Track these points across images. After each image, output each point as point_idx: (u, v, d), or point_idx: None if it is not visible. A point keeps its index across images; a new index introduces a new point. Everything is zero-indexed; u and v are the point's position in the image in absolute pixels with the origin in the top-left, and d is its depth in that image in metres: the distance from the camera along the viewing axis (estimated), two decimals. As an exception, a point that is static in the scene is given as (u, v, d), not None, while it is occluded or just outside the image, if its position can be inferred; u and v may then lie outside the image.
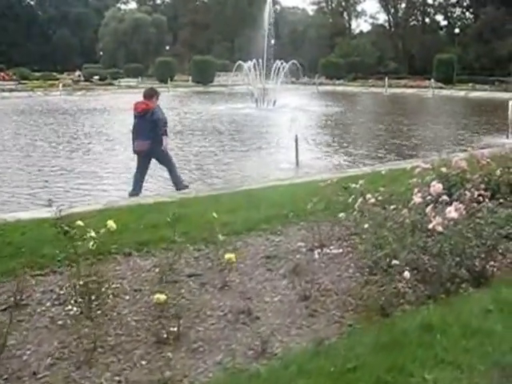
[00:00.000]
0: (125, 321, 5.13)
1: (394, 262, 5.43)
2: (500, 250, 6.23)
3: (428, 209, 6.10)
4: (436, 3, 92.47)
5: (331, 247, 7.07)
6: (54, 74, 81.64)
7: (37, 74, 78.84)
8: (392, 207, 6.71)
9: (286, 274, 6.23)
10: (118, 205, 9.35)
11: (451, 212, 5.75)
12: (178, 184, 11.91)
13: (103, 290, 5.64)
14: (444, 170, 8.00)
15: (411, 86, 66.43)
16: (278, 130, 25.27)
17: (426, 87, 60.97)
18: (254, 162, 16.03)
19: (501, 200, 7.88)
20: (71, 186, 13.92)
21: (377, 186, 8.52)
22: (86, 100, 47.46)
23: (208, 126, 28.01)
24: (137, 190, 11.61)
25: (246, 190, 10.24)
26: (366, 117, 34.64)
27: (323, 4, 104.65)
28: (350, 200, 7.24)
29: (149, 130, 11.33)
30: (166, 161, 11.97)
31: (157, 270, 6.22)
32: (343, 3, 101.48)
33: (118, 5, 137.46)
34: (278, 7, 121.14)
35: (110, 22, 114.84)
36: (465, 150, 18.48)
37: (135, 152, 11.74)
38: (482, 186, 8.19)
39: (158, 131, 11.43)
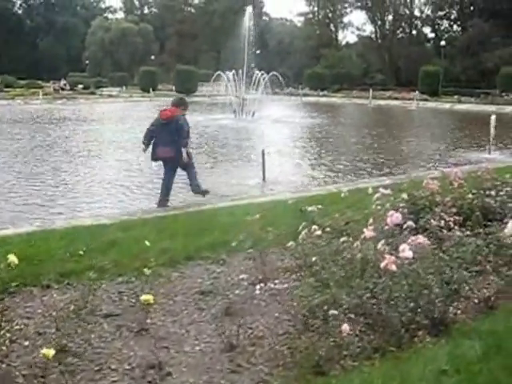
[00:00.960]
0: (11, 376, 4.25)
1: (332, 312, 4.56)
2: (464, 292, 5.30)
3: (380, 244, 5.24)
4: (423, 16, 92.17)
5: (276, 281, 6.17)
6: (39, 82, 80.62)
7: (22, 82, 77.72)
8: (342, 239, 5.86)
9: (218, 315, 5.36)
10: (51, 227, 8.46)
11: (405, 251, 4.87)
12: (197, 190, 11.78)
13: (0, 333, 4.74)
14: (405, 196, 7.11)
15: (396, 98, 65.87)
16: (252, 143, 24.51)
17: (410, 99, 60.30)
18: (219, 177, 15.01)
19: (474, 228, 7.06)
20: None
21: (336, 210, 7.75)
22: (63, 109, 46.42)
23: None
24: (165, 197, 11.48)
25: (198, 210, 9.40)
26: (347, 129, 33.82)
27: (310, 15, 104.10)
28: (301, 228, 6.39)
29: (171, 138, 11.21)
30: (187, 167, 11.72)
31: (72, 307, 5.27)
32: (330, 15, 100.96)
33: (106, 14, 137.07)
34: (266, 18, 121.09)
35: (96, 31, 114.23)
36: (446, 166, 17.88)
37: (156, 159, 11.65)
38: (454, 210, 7.44)
39: (181, 141, 11.27)
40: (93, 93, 68.34)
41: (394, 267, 4.84)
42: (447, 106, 58.27)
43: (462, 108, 55.55)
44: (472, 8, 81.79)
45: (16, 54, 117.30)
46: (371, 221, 6.09)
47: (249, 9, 46.22)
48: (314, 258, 5.73)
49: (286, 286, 6.06)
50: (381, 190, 6.71)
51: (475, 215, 7.36)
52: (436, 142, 26.32)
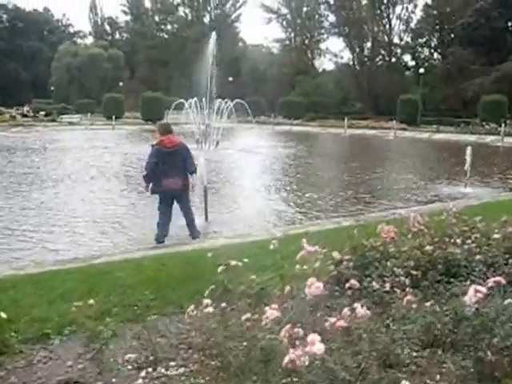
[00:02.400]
0: None
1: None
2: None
3: (283, 331, 3.88)
4: (403, 43, 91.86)
5: (172, 363, 4.79)
6: (1, 108, 79.31)
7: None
8: (245, 317, 4.47)
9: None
10: None
11: (314, 343, 3.53)
12: (195, 231, 11.48)
13: None
14: (337, 255, 5.75)
15: (373, 127, 65.11)
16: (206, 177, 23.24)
17: (388, 128, 59.58)
18: (154, 217, 13.55)
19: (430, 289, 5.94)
20: None
21: (266, 264, 6.46)
22: (15, 137, 45.21)
23: (124, 169, 25.78)
24: (164, 233, 11.12)
25: (101, 263, 8.01)
26: (317, 160, 32.65)
27: (287, 42, 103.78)
28: (207, 293, 5.14)
29: (180, 168, 11.03)
30: (187, 202, 11.51)
31: None
32: (307, 41, 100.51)
33: (74, 39, 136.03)
34: (241, 44, 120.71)
35: (63, 57, 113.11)
36: (416, 204, 16.67)
37: (163, 192, 11.07)
38: (411, 263, 6.34)
39: (192, 168, 11.24)
40: (53, 120, 66.99)
41: (301, 363, 3.53)
42: (426, 135, 57.61)
43: (440, 137, 54.90)
44: (452, 35, 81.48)
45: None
46: (287, 289, 4.79)
47: (213, 35, 44.95)
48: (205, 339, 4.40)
49: (181, 370, 4.71)
50: (304, 244, 5.35)
51: (431, 274, 6.08)
52: (412, 175, 25.12)
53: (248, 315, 4.46)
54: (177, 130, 37.27)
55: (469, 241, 6.89)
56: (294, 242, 8.24)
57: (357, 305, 4.57)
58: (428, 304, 5.20)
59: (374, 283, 5.79)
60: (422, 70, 75.52)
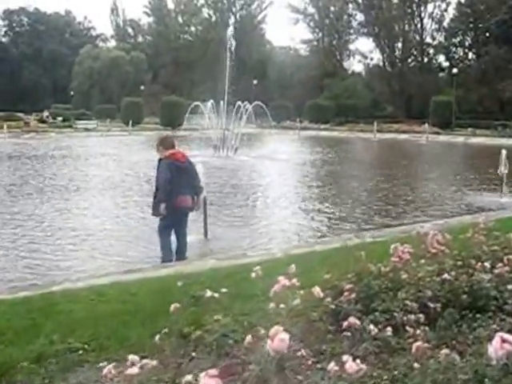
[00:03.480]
0: None
1: None
2: None
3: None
4: (436, 43, 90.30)
5: None
6: (19, 114, 79.31)
7: (1, 113, 76.27)
8: (185, 380, 3.38)
9: None
10: None
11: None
12: (184, 252, 10.62)
13: None
14: (318, 292, 4.62)
15: (404, 131, 63.85)
16: (217, 186, 22.07)
17: (420, 132, 58.11)
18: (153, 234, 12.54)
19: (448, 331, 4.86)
20: None
21: (244, 296, 5.46)
22: (23, 144, 44.88)
23: (130, 180, 24.66)
24: (170, 256, 10.32)
25: (60, 291, 7.03)
26: (342, 167, 31.34)
27: (314, 43, 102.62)
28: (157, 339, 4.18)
29: (190, 185, 10.48)
30: (187, 223, 10.81)
31: None
32: (335, 42, 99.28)
33: (96, 42, 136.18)
34: (267, 46, 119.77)
35: (84, 60, 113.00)
36: (447, 214, 15.48)
37: (176, 211, 10.27)
38: (428, 293, 5.28)
39: (200, 186, 10.92)
40: (69, 126, 66.57)
41: None
42: (460, 139, 56.17)
43: (476, 142, 53.40)
44: (487, 34, 79.74)
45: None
46: (249, 339, 3.70)
47: (229, 31, 44.03)
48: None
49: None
50: (281, 279, 4.28)
51: (448, 312, 4.97)
52: (444, 183, 23.85)
53: (189, 378, 3.37)
54: (197, 136, 36.63)
55: (500, 264, 5.74)
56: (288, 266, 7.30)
57: (346, 357, 3.58)
58: (444, 352, 4.06)
59: (376, 321, 4.71)
60: (455, 71, 73.71)
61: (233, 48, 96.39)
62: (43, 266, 10.60)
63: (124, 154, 36.08)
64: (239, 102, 38.70)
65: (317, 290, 4.37)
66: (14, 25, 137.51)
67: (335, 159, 36.45)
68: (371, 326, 4.47)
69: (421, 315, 4.92)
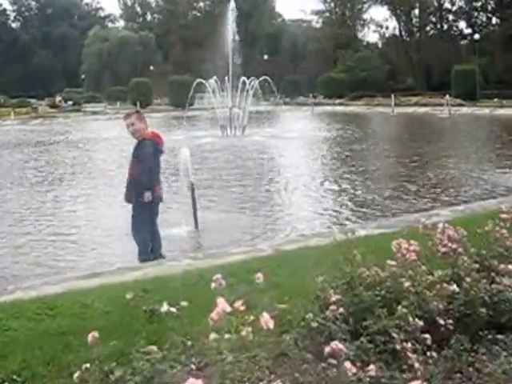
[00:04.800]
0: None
1: None
2: None
3: None
4: (456, 8, 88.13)
5: None
6: (31, 99, 79.57)
7: (13, 100, 76.33)
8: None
9: None
10: None
11: None
12: (159, 249, 9.48)
13: None
14: (267, 320, 3.50)
15: (425, 104, 62.18)
16: (218, 170, 21.15)
17: (442, 105, 56.34)
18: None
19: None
20: None
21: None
22: (26, 130, 44.52)
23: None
24: (149, 254, 9.10)
25: (10, 301, 6.17)
26: (357, 146, 29.85)
27: (326, 14, 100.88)
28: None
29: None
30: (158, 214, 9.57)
31: None
32: (347, 12, 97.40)
33: (105, 23, 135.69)
34: (279, 20, 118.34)
35: (93, 42, 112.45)
36: (468, 198, 14.28)
37: (155, 201, 9.11)
38: (438, 306, 4.28)
39: None
40: (78, 110, 66.31)
41: None
42: (486, 111, 54.24)
43: (504, 113, 51.16)
44: (512, -4, 77.34)
45: (10, 69, 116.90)
46: None
47: (232, 4, 42.85)
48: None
49: None
50: (219, 299, 3.24)
51: (456, 339, 3.94)
52: (467, 161, 22.37)
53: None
54: (202, 115, 35.70)
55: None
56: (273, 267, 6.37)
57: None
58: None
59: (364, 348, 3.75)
60: (478, 37, 71.73)
61: (241, 22, 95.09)
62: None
63: (122, 138, 34.80)
64: (244, 78, 37.85)
65: (265, 319, 3.23)
66: (23, 9, 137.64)
67: (351, 136, 35.13)
68: (347, 365, 3.40)
69: (427, 335, 3.93)
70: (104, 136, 36.84)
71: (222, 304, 3.16)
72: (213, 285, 3.90)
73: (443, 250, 4.88)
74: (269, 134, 34.17)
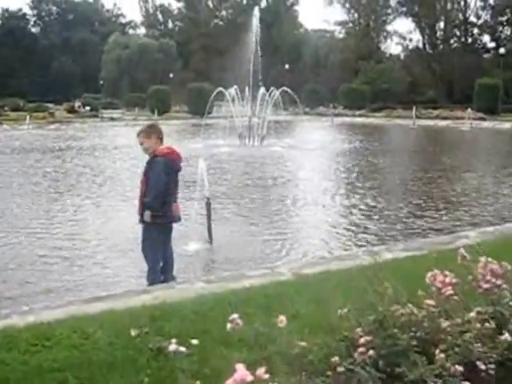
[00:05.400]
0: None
1: None
2: None
3: None
4: (481, 22, 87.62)
5: None
6: (49, 104, 79.57)
7: (31, 104, 76.37)
8: None
9: None
10: None
11: None
12: (171, 270, 8.86)
13: None
14: None
15: (446, 117, 61.56)
16: (235, 181, 20.64)
17: (463, 118, 55.77)
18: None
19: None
20: None
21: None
22: (41, 135, 44.28)
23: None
24: (159, 275, 8.59)
25: (4, 328, 5.58)
26: (377, 159, 29.15)
27: (350, 25, 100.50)
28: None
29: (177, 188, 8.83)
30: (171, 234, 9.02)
31: None
32: (371, 23, 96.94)
33: (126, 29, 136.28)
34: (301, 29, 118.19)
35: (112, 49, 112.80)
36: (497, 220, 13.63)
37: (171, 222, 8.68)
38: (487, 352, 3.70)
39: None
40: (95, 116, 66.20)
41: None
42: (508, 125, 53.54)
43: (526, 128, 50.73)
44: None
45: (29, 74, 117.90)
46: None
47: (255, 12, 42.56)
48: None
49: None
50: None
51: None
52: (493, 177, 21.72)
53: None
54: (221, 124, 35.14)
55: None
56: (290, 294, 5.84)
57: None
58: None
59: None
60: (502, 51, 71.11)
61: (263, 32, 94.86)
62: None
63: (136, 146, 33.98)
64: (263, 88, 37.47)
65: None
66: (43, 14, 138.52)
67: (370, 149, 34.52)
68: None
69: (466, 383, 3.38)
70: (119, 143, 36.10)
71: (241, 371, 2.62)
72: (228, 325, 3.46)
73: (485, 286, 4.33)
74: (287, 144, 33.69)
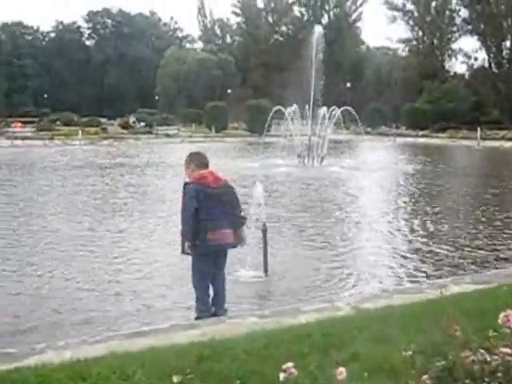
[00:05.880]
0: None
1: None
2: None
3: None
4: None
5: None
6: (102, 119, 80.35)
7: (84, 119, 77.48)
8: None
9: None
10: None
11: None
12: (222, 304, 8.60)
13: None
14: None
15: (511, 139, 60.49)
16: (293, 203, 20.39)
17: (529, 140, 54.93)
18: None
19: None
20: None
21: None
22: (96, 151, 44.46)
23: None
24: (208, 307, 8.42)
25: (37, 365, 5.35)
26: (441, 182, 28.45)
27: (413, 42, 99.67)
28: None
29: (228, 216, 8.43)
30: (223, 263, 8.70)
31: None
32: (435, 41, 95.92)
33: (183, 44, 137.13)
34: (363, 46, 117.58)
35: (169, 63, 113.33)
36: None
37: (211, 249, 8.30)
38: None
39: (239, 216, 8.66)
40: (149, 132, 66.56)
41: None
42: None
43: None
44: None
45: (82, 88, 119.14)
46: None
47: (317, 29, 42.46)
48: None
49: None
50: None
51: None
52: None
53: None
54: (282, 143, 34.85)
55: None
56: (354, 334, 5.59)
57: None
58: None
59: None
60: None
61: (325, 48, 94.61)
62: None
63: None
64: (324, 107, 37.21)
65: None
66: (98, 27, 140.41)
67: (433, 171, 33.91)
68: None
69: None
70: (172, 161, 35.73)
71: None
72: (282, 375, 3.25)
73: None
74: (348, 164, 33.40)
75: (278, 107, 36.64)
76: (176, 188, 23.00)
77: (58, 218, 17.34)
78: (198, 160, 8.68)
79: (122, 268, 11.38)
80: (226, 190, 8.53)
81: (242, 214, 8.80)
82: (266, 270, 10.62)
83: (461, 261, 12.04)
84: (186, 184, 8.42)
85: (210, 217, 8.21)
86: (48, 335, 7.75)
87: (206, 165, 8.63)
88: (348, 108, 37.39)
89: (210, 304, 8.46)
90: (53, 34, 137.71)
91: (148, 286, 10.24)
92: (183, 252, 8.35)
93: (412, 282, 10.28)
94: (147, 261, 11.94)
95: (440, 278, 10.20)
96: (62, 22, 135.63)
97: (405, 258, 12.53)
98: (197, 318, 8.19)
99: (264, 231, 10.64)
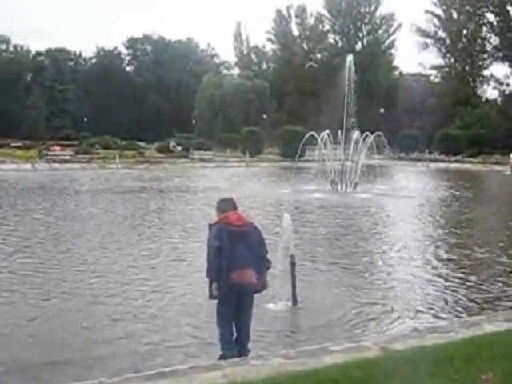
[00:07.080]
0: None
1: None
2: None
3: None
4: None
5: None
6: (140, 142, 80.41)
7: (123, 142, 77.77)
8: None
9: None
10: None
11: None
12: (245, 344, 8.16)
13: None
14: None
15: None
16: (325, 230, 19.80)
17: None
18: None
19: None
20: None
21: None
22: (131, 175, 44.41)
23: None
24: (233, 348, 7.98)
25: None
26: (474, 208, 27.77)
27: (446, 69, 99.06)
28: None
29: (253, 255, 8.13)
30: (252, 306, 8.33)
31: None
32: (467, 67, 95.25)
33: (220, 69, 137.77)
34: (396, 73, 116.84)
35: (206, 88, 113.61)
36: None
37: (233, 289, 7.95)
38: None
39: (264, 258, 8.35)
40: (185, 156, 66.41)
41: None
42: None
43: None
44: None
45: (122, 112, 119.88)
46: None
47: (349, 57, 42.10)
48: None
49: None
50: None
51: None
52: None
53: None
54: (315, 168, 34.26)
55: None
56: None
57: None
58: None
59: None
60: None
61: (358, 75, 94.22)
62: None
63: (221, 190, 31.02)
64: (357, 132, 36.78)
65: None
66: (138, 53, 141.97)
67: (467, 196, 33.22)
68: None
69: None
70: (207, 186, 35.45)
71: None
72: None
73: None
74: (381, 191, 32.84)
75: (311, 133, 36.18)
76: (202, 217, 21.76)
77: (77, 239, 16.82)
78: (225, 206, 8.42)
79: (146, 303, 10.90)
80: (250, 230, 8.26)
81: (267, 256, 8.36)
82: (294, 303, 10.28)
83: (493, 290, 11.56)
84: (210, 225, 8.17)
85: (233, 256, 7.90)
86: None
87: (232, 206, 8.43)
88: (380, 133, 36.95)
89: (234, 343, 8.07)
90: (94, 60, 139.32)
91: (169, 324, 9.82)
92: (211, 297, 8.01)
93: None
94: (171, 294, 11.45)
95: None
96: (103, 48, 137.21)
97: (439, 289, 12.05)
98: (221, 357, 7.88)
99: (292, 264, 10.25)
